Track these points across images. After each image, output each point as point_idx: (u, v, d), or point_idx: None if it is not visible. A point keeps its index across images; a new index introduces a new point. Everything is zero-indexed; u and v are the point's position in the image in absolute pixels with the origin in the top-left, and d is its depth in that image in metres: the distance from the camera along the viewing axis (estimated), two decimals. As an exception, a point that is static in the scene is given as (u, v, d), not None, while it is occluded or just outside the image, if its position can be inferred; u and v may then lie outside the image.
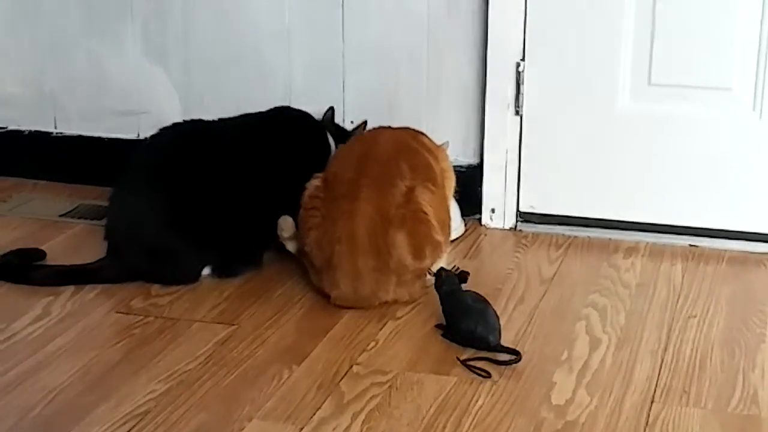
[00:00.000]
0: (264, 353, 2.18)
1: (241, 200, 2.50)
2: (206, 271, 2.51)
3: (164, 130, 2.57)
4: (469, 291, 2.27)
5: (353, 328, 2.28)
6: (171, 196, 2.45)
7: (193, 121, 2.64)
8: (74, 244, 2.71)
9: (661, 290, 2.49)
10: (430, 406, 1.99)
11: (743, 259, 2.67)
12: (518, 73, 2.76)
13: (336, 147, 2.71)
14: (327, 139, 2.74)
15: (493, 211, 2.85)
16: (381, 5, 2.82)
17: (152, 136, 2.59)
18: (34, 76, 3.13)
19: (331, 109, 2.79)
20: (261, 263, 2.56)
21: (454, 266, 2.37)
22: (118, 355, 2.18)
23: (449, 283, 2.26)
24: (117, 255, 2.48)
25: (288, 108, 2.78)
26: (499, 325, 2.19)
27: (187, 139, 2.56)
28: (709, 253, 2.69)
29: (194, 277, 2.49)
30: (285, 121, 2.71)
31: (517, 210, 2.84)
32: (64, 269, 2.50)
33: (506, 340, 2.19)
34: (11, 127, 3.18)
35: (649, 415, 1.96)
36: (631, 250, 2.71)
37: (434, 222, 2.39)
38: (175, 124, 2.60)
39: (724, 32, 2.63)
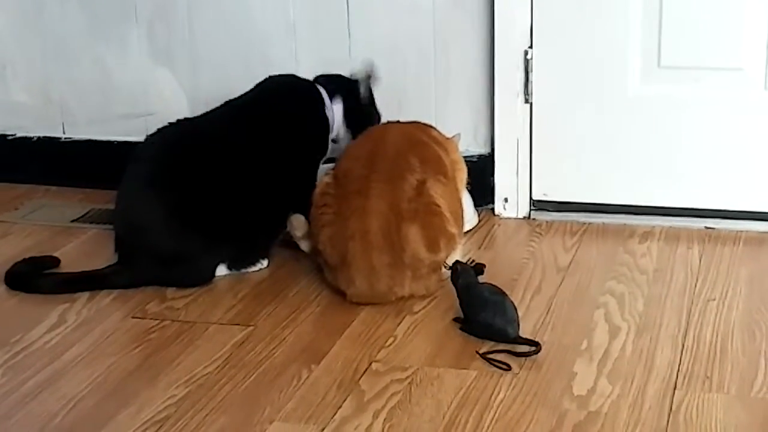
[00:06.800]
0: (282, 354, 2.17)
1: (244, 190, 2.48)
2: (221, 271, 2.50)
3: (153, 135, 2.55)
4: (486, 283, 2.25)
5: (370, 325, 2.27)
6: (173, 200, 2.44)
7: (179, 120, 2.59)
8: (87, 249, 2.70)
9: (679, 274, 2.47)
10: (451, 401, 1.98)
11: (760, 239, 2.65)
12: (526, 61, 2.74)
13: (331, 101, 2.65)
14: (320, 100, 2.64)
15: (506, 200, 2.84)
16: (386, -2, 2.81)
17: (143, 142, 2.56)
18: (40, 82, 3.13)
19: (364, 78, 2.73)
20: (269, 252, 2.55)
21: (470, 258, 2.36)
22: (136, 361, 2.17)
23: (465, 275, 2.24)
24: (128, 260, 2.47)
25: (271, 81, 2.66)
26: (517, 316, 2.18)
27: (179, 139, 2.54)
28: (725, 235, 2.67)
29: (208, 277, 2.49)
30: (272, 99, 2.64)
31: (530, 198, 2.83)
32: (75, 276, 2.49)
33: (525, 331, 2.18)
34: (20, 134, 3.17)
35: (672, 403, 1.95)
36: (647, 234, 2.69)
37: (447, 214, 2.38)
38: (163, 128, 2.55)
39: (733, 12, 2.61)
